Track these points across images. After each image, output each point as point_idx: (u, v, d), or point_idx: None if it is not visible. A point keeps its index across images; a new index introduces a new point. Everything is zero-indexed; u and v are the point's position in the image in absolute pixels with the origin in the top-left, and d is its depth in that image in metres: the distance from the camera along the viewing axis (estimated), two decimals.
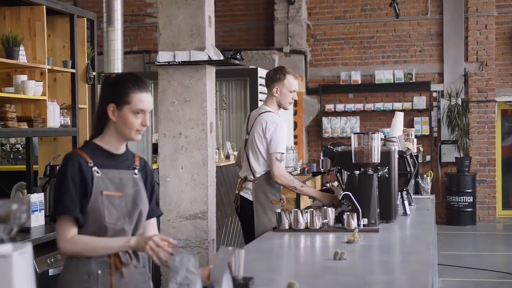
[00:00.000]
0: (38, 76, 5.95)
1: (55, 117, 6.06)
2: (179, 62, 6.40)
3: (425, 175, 7.47)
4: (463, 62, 14.30)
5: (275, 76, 5.75)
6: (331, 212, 4.92)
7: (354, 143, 5.00)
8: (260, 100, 10.91)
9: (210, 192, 6.55)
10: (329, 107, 14.61)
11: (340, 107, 14.55)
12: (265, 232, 5.15)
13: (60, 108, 6.23)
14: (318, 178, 12.57)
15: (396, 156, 5.35)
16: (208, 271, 3.01)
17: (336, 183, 13.26)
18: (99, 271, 3.13)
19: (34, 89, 5.76)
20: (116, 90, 3.20)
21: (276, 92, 5.73)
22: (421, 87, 14.39)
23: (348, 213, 4.79)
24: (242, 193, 5.74)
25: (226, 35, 14.98)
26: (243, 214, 5.77)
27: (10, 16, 5.96)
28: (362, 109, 14.47)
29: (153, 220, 3.42)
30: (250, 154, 5.69)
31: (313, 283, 3.28)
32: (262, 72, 11.13)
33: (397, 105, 14.24)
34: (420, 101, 14.30)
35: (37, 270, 4.87)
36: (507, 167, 14.85)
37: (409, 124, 13.51)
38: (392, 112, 14.03)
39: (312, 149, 14.87)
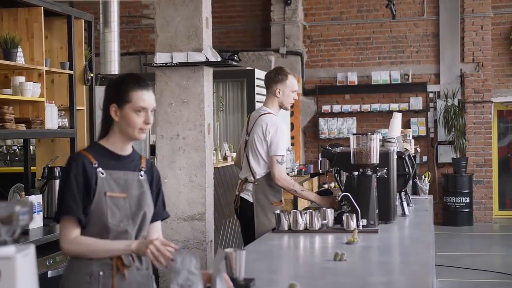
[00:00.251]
0: (36, 78, 5.94)
1: (53, 119, 6.05)
2: (176, 63, 6.40)
3: (423, 176, 7.47)
4: (459, 63, 14.32)
5: (277, 76, 5.73)
6: (330, 213, 4.92)
7: (353, 144, 5.00)
8: (258, 102, 10.91)
9: (208, 194, 6.55)
10: (326, 108, 14.61)
11: (336, 108, 14.56)
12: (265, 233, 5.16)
13: (58, 110, 6.22)
14: (315, 179, 12.58)
15: (395, 157, 5.35)
16: (208, 274, 3.00)
17: (333, 184, 13.31)
18: (101, 272, 3.13)
19: (32, 90, 5.75)
20: (116, 90, 3.21)
21: (279, 93, 5.71)
22: (418, 88, 14.41)
23: (347, 214, 4.79)
24: (242, 195, 5.72)
25: (223, 36, 14.98)
26: (243, 215, 5.75)
27: (7, 18, 5.95)
28: (358, 110, 14.48)
29: (158, 223, 3.41)
30: (250, 155, 5.68)
31: (314, 284, 3.28)
32: (259, 73, 11.14)
33: (394, 106, 14.25)
34: (416, 102, 14.32)
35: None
36: (504, 167, 14.87)
37: (405, 125, 13.53)
38: (389, 113, 14.06)
39: (309, 150, 14.87)
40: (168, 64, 6.43)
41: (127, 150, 3.27)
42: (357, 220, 4.79)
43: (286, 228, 4.82)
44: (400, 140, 6.18)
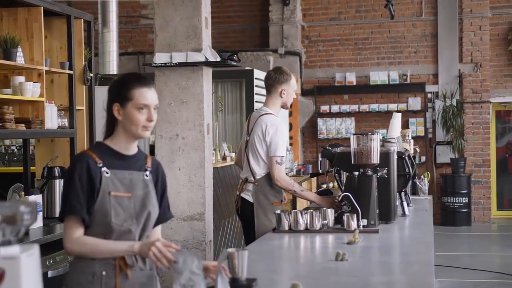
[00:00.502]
0: (36, 78, 5.93)
1: (52, 119, 6.04)
2: (176, 63, 6.40)
3: (422, 176, 7.47)
4: (458, 63, 14.33)
5: (282, 77, 5.72)
6: (330, 213, 4.92)
7: (353, 144, 5.00)
8: (256, 102, 10.90)
9: (207, 194, 6.55)
10: (324, 108, 14.62)
11: (335, 108, 14.56)
12: (265, 233, 5.15)
13: (58, 110, 6.21)
14: (314, 179, 12.58)
15: (395, 157, 5.35)
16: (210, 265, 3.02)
17: (331, 184, 13.31)
18: (103, 272, 3.13)
19: (32, 90, 5.74)
20: (118, 89, 3.21)
21: (283, 93, 5.71)
22: (416, 88, 14.41)
23: (347, 214, 4.79)
24: (242, 195, 5.73)
25: (221, 36, 14.97)
26: (243, 215, 5.76)
27: (7, 18, 5.94)
28: (357, 110, 14.49)
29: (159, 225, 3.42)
30: (250, 156, 5.68)
31: (316, 284, 3.28)
32: (258, 74, 11.13)
33: (392, 106, 14.25)
34: (415, 102, 14.32)
35: None
36: (502, 168, 14.88)
37: (404, 125, 13.53)
38: (387, 113, 14.11)
39: (307, 150, 14.87)
40: (167, 64, 6.43)
41: (132, 149, 3.26)
42: (358, 220, 4.79)
43: (286, 228, 4.82)
44: (400, 140, 6.18)
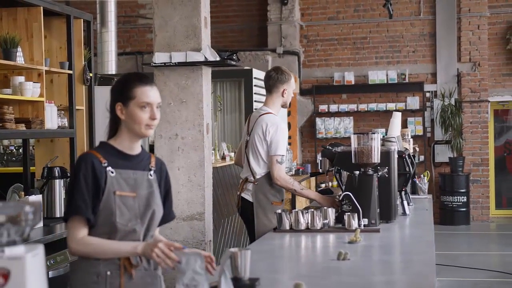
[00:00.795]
0: (36, 78, 5.91)
1: (52, 119, 6.03)
2: (175, 63, 6.39)
3: (422, 175, 7.48)
4: (456, 63, 14.33)
5: (284, 77, 5.72)
6: (331, 213, 4.92)
7: (354, 144, 5.00)
8: (255, 101, 10.90)
9: (207, 193, 6.55)
10: (323, 107, 14.61)
11: (333, 107, 14.55)
12: (265, 233, 5.15)
13: (57, 110, 6.20)
14: (313, 178, 12.59)
15: (396, 156, 5.35)
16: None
17: (330, 184, 13.32)
18: (108, 272, 3.12)
19: (31, 90, 5.73)
20: (120, 88, 3.22)
21: (284, 93, 5.72)
22: (414, 88, 14.42)
23: (348, 213, 4.79)
24: (243, 194, 5.72)
25: (219, 36, 14.96)
26: (244, 215, 5.77)
27: (7, 17, 5.92)
28: (355, 109, 14.48)
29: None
30: (250, 155, 5.68)
31: (319, 283, 3.28)
32: (257, 73, 11.13)
33: (391, 106, 14.26)
34: (413, 102, 14.32)
35: None
36: (500, 167, 14.88)
37: (402, 124, 13.49)
38: (386, 112, 14.12)
39: (306, 150, 14.87)
40: (166, 64, 6.43)
41: (135, 149, 3.26)
42: (359, 220, 4.79)
43: (287, 227, 4.82)
44: (400, 140, 6.18)
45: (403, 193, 5.76)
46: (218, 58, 6.46)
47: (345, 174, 5.48)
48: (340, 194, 5.17)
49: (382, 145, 5.51)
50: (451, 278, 9.15)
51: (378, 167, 5.08)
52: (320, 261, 4.00)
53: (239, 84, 11.15)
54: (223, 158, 9.20)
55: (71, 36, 6.32)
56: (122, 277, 3.14)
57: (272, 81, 5.75)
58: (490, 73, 14.38)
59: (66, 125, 6.27)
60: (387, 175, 5.16)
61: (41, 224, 5.53)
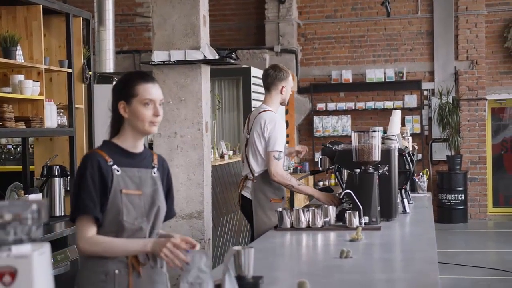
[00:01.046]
0: (35, 76, 5.90)
1: (52, 117, 6.01)
2: (174, 61, 6.39)
3: (421, 173, 7.48)
4: (454, 61, 14.34)
5: (282, 74, 5.75)
6: (332, 211, 4.92)
7: (354, 142, 4.99)
8: (254, 99, 10.90)
9: (206, 192, 6.55)
10: (321, 106, 14.61)
11: (331, 106, 14.56)
12: (264, 231, 5.16)
13: (57, 108, 6.19)
14: (311, 177, 12.59)
15: (396, 154, 5.34)
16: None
17: (327, 182, 13.32)
18: (116, 271, 3.12)
19: (31, 89, 5.71)
20: (123, 87, 3.22)
21: (283, 91, 5.74)
22: (412, 86, 14.43)
23: (349, 211, 4.79)
24: (243, 192, 5.75)
25: (217, 34, 14.93)
26: (245, 212, 5.79)
27: (6, 16, 5.90)
28: (353, 108, 14.49)
29: None
30: (250, 153, 5.70)
31: (323, 281, 3.28)
32: (255, 71, 11.12)
33: (388, 104, 14.26)
34: (411, 100, 14.32)
35: None
36: (497, 165, 14.90)
37: (400, 122, 13.50)
38: (383, 111, 14.13)
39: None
40: (165, 62, 6.42)
41: (139, 147, 3.26)
42: (359, 218, 4.78)
43: (288, 225, 4.82)
44: (400, 138, 6.18)
45: (403, 191, 5.76)
46: (217, 57, 6.46)
47: (345, 172, 5.47)
48: (341, 192, 5.17)
49: (382, 143, 5.51)
50: (450, 276, 9.16)
51: (379, 165, 5.08)
52: (323, 259, 4.00)
53: (237, 83, 11.14)
54: (222, 156, 9.19)
55: (70, 35, 6.31)
56: (131, 276, 3.13)
57: (270, 79, 5.76)
58: (488, 71, 14.39)
59: (66, 123, 6.26)
60: (387, 173, 5.16)
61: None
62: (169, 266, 3.04)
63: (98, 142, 6.44)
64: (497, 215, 14.63)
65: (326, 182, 13.49)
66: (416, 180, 7.28)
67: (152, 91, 3.20)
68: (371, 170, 4.98)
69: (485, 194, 14.38)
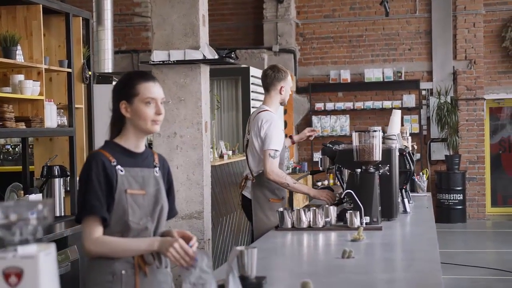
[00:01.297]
0: (35, 76, 5.88)
1: (52, 117, 6.00)
2: (173, 61, 6.38)
3: (421, 173, 7.48)
4: (452, 60, 14.35)
5: (280, 74, 5.77)
6: (332, 211, 4.92)
7: (355, 141, 4.99)
8: (253, 99, 10.89)
9: (206, 192, 6.54)
10: (319, 105, 14.61)
11: (329, 105, 14.56)
12: (263, 231, 5.16)
13: (57, 108, 6.17)
14: (309, 177, 12.58)
15: (397, 154, 5.35)
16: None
17: (326, 182, 13.32)
18: (123, 271, 3.11)
19: (31, 89, 5.70)
20: (123, 87, 3.22)
21: (282, 91, 5.76)
22: (410, 86, 14.43)
23: (350, 211, 4.78)
24: (243, 192, 5.77)
25: (215, 34, 14.91)
26: (246, 212, 5.81)
27: (6, 15, 5.89)
28: (352, 107, 14.48)
29: None
30: (249, 153, 5.73)
31: (326, 281, 3.27)
32: (254, 71, 11.10)
33: (387, 104, 14.26)
34: (409, 99, 14.33)
35: None
36: (496, 164, 14.90)
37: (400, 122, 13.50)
38: (382, 110, 14.14)
39: (302, 148, 14.87)
40: (165, 62, 6.41)
41: (141, 147, 3.26)
42: (360, 218, 4.78)
43: (289, 226, 4.82)
44: (400, 137, 6.19)
45: (403, 191, 5.76)
46: (216, 56, 6.45)
47: (346, 172, 5.47)
48: (341, 192, 5.17)
49: (383, 143, 5.51)
50: (449, 276, 9.15)
51: (380, 165, 5.07)
52: (325, 259, 3.99)
53: (236, 83, 11.12)
54: (221, 156, 9.19)
55: (70, 34, 6.29)
56: (137, 276, 3.12)
57: (269, 80, 5.79)
58: (486, 70, 14.39)
59: (66, 123, 6.24)
60: (388, 173, 5.15)
61: None
62: (176, 265, 3.02)
63: (98, 142, 6.44)
64: (496, 215, 14.64)
65: (325, 182, 13.50)
66: (416, 180, 7.28)
67: (154, 89, 3.19)
68: (372, 170, 4.97)
69: (483, 194, 14.39)
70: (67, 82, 6.31)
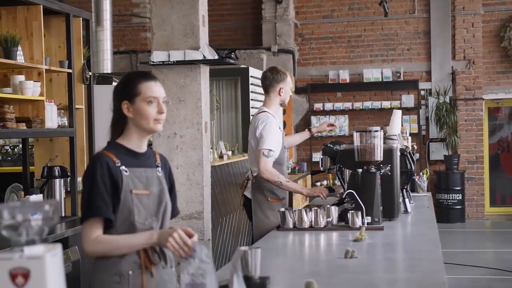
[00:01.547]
0: (36, 77, 5.88)
1: (52, 118, 5.99)
2: (173, 61, 6.38)
3: (421, 173, 7.48)
4: (451, 60, 14.35)
5: (279, 76, 5.79)
6: (334, 211, 4.91)
7: (356, 141, 4.99)
8: (252, 100, 10.88)
9: (206, 192, 6.54)
10: (318, 106, 14.61)
11: (328, 106, 14.56)
12: (263, 230, 5.17)
13: (57, 109, 6.17)
14: (308, 177, 12.58)
15: (398, 153, 5.34)
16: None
17: (325, 182, 13.32)
18: (130, 272, 3.09)
19: (32, 89, 5.69)
20: (124, 87, 3.21)
21: (281, 92, 5.78)
22: (409, 86, 14.43)
23: (352, 211, 4.78)
24: (245, 192, 5.79)
25: (214, 34, 14.89)
26: (247, 212, 5.83)
27: (6, 16, 5.89)
28: (350, 107, 14.49)
29: None
30: (249, 154, 5.75)
31: (329, 281, 3.27)
32: (253, 72, 11.10)
33: (386, 104, 14.27)
34: (408, 100, 14.33)
35: None
36: (494, 164, 14.91)
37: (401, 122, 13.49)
38: (381, 110, 14.15)
39: (301, 148, 14.87)
40: (165, 63, 6.41)
41: (143, 147, 3.26)
42: (362, 218, 4.78)
43: (291, 226, 4.81)
44: (401, 137, 6.19)
45: (404, 190, 5.76)
46: (216, 57, 6.45)
47: (347, 172, 5.47)
48: (342, 192, 5.17)
49: (384, 143, 5.51)
50: (449, 276, 9.15)
51: (381, 165, 5.07)
52: (328, 259, 3.98)
53: (236, 83, 11.11)
54: (221, 156, 9.18)
55: (70, 35, 6.29)
56: (144, 276, 3.11)
57: (268, 81, 5.82)
58: (485, 70, 14.40)
59: (66, 124, 6.24)
60: (389, 173, 5.15)
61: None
62: (175, 256, 3.01)
63: (98, 142, 6.43)
64: (494, 215, 14.64)
65: (324, 182, 13.49)
66: (416, 180, 7.28)
67: (155, 89, 3.19)
68: (373, 170, 4.97)
69: (482, 194, 14.39)
70: (68, 82, 6.31)
